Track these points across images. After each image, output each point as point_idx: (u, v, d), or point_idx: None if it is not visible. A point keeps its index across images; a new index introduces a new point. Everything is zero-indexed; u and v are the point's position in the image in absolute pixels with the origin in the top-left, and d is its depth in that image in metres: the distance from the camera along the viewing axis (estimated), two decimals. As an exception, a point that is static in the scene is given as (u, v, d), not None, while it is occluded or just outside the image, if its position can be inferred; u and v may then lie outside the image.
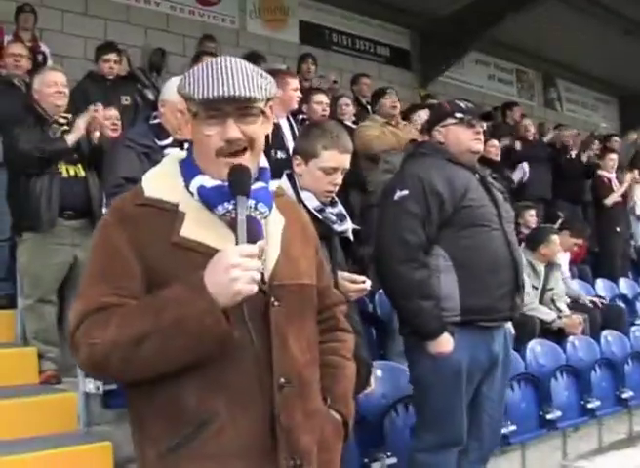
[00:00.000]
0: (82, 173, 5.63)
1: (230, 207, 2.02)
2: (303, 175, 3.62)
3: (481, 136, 4.20)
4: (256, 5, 12.10)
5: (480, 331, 3.98)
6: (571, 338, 7.02)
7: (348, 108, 8.51)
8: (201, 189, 2.06)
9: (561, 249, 8.19)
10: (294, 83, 5.73)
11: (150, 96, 8.02)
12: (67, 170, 5.58)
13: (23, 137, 5.47)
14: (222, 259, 1.87)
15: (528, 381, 5.98)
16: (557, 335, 7.01)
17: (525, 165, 10.05)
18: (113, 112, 6.80)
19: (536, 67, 16.96)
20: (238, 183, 2.00)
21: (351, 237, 3.78)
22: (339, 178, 3.64)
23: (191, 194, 2.07)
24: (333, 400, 2.31)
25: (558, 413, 6.01)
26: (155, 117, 4.87)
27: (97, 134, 5.74)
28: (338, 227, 3.64)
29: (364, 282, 3.76)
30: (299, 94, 5.78)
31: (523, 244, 7.55)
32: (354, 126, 8.03)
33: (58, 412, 4.99)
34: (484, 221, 4.00)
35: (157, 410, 2.02)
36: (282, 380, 2.04)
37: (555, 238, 7.35)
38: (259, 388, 2.01)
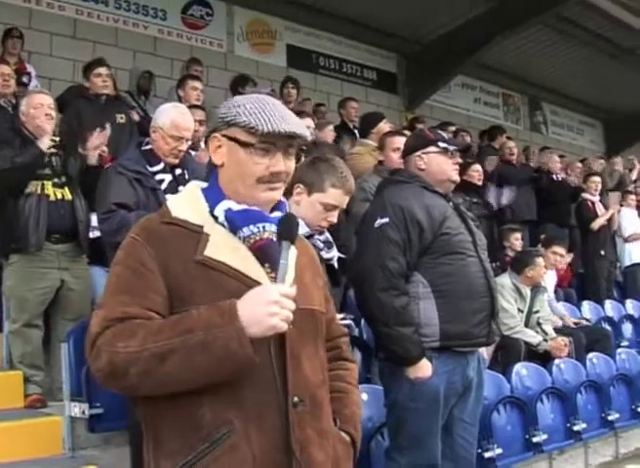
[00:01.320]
0: (69, 196, 5.61)
1: (255, 230, 2.15)
2: (301, 205, 3.66)
3: (457, 168, 4.26)
4: (243, 29, 12.20)
5: (456, 356, 4.01)
6: (557, 361, 7.01)
7: (332, 133, 8.59)
8: (228, 212, 2.16)
9: (552, 265, 8.25)
10: None
11: (135, 117, 8.00)
12: (54, 193, 5.56)
13: None
14: (265, 294, 1.98)
15: (514, 404, 5.96)
16: (543, 358, 7.02)
17: (512, 188, 10.10)
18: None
19: (522, 91, 17.10)
20: (288, 229, 2.13)
21: (336, 265, 3.80)
22: (335, 217, 3.72)
23: (215, 218, 2.17)
24: (342, 421, 2.38)
25: (544, 436, 5.99)
26: (147, 143, 4.88)
27: (96, 154, 5.75)
28: (324, 254, 3.68)
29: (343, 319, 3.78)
30: None
31: (509, 267, 7.60)
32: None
33: (43, 436, 4.96)
34: (461, 249, 4.04)
35: (172, 426, 2.07)
36: (296, 399, 2.10)
37: (540, 261, 7.37)
38: (273, 406, 2.07)
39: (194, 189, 2.28)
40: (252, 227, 2.15)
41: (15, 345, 5.58)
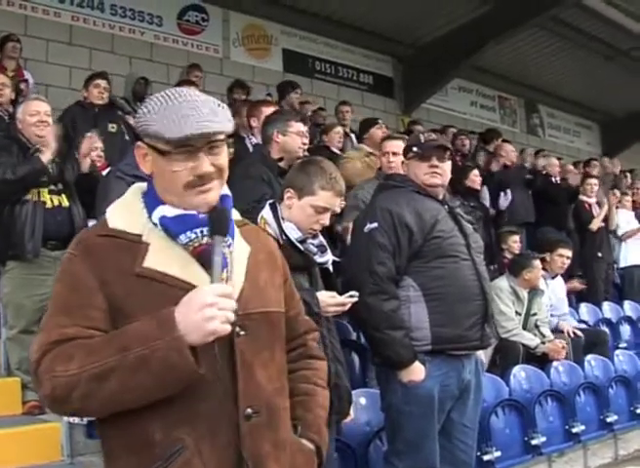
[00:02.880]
0: (66, 202, 5.62)
1: (193, 236, 2.03)
2: (293, 209, 3.66)
3: (438, 170, 4.16)
4: (239, 34, 12.21)
5: (450, 358, 4.01)
6: (555, 363, 7.03)
7: (337, 136, 8.64)
8: (163, 219, 2.05)
9: (559, 267, 8.29)
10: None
11: (131, 121, 8.05)
12: (51, 200, 5.58)
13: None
14: (197, 298, 1.87)
15: (512, 407, 5.98)
16: (541, 361, 7.03)
17: (508, 192, 10.11)
18: (98, 144, 6.85)
19: (518, 94, 17.12)
20: (218, 224, 2.02)
21: (331, 268, 3.80)
22: (327, 219, 3.71)
23: (155, 225, 2.07)
24: (304, 428, 2.26)
25: (543, 439, 6.00)
26: None
27: (88, 161, 5.75)
28: (318, 258, 3.68)
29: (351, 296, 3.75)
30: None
31: (506, 270, 7.61)
32: (339, 152, 8.09)
33: (41, 443, 4.96)
34: (453, 252, 4.03)
35: (126, 444, 1.99)
36: (249, 411, 2.01)
37: (537, 263, 7.36)
38: (225, 419, 1.99)
39: (134, 194, 2.19)
40: (189, 233, 2.04)
41: (12, 352, 5.59)
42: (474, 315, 4.02)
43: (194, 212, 2.06)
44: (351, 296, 3.69)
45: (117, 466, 2.02)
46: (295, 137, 5.03)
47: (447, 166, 4.23)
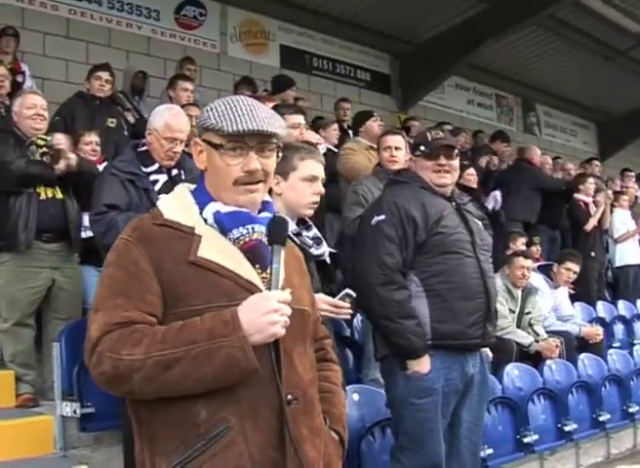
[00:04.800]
0: (59, 195, 5.60)
1: (244, 231, 2.20)
2: (284, 193, 3.66)
3: (445, 168, 4.19)
4: (237, 29, 12.19)
5: (454, 353, 4.02)
6: (548, 362, 7.04)
7: (335, 132, 8.66)
8: (217, 214, 2.20)
9: (564, 281, 8.35)
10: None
11: (130, 118, 8.06)
12: (45, 192, 5.55)
13: (10, 156, 5.44)
14: (265, 302, 2.03)
15: (505, 405, 5.98)
16: (534, 359, 7.04)
17: (497, 193, 10.10)
18: (93, 138, 6.86)
19: (515, 92, 17.12)
20: (277, 233, 2.16)
21: (328, 260, 3.80)
22: (321, 187, 3.71)
23: (205, 220, 2.21)
24: (331, 421, 2.41)
25: (535, 437, 6.01)
26: (143, 144, 4.88)
27: (62, 164, 5.60)
28: (314, 251, 3.67)
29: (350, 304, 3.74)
30: None
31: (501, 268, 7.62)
32: (335, 149, 8.07)
33: (34, 436, 4.96)
34: (456, 248, 4.05)
35: (167, 424, 2.09)
36: (290, 396, 2.14)
37: (517, 260, 7.32)
38: (267, 402, 2.10)
39: (183, 192, 2.31)
40: (241, 229, 2.19)
41: (6, 344, 5.58)
42: (476, 313, 4.03)
43: (246, 209, 2.23)
44: (347, 295, 3.68)
45: (159, 447, 2.11)
46: (290, 131, 5.05)
47: (455, 163, 4.25)
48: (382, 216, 4.08)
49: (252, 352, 2.00)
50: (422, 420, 3.97)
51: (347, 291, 3.70)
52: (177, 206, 2.25)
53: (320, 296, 3.58)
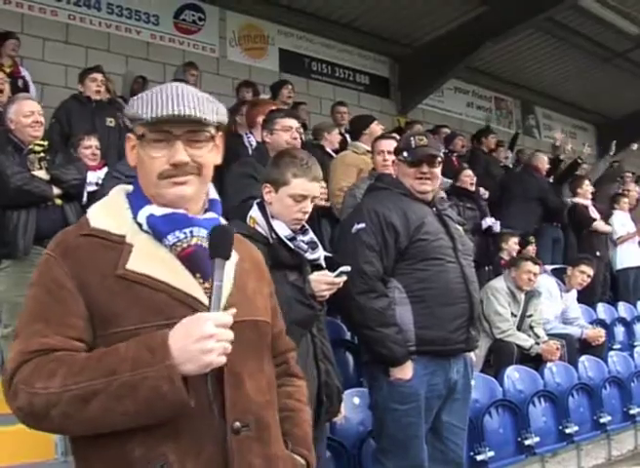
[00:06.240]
0: (58, 200, 5.61)
1: (182, 236, 1.94)
2: (273, 203, 3.63)
3: (427, 176, 4.19)
4: (236, 33, 12.20)
5: (437, 359, 4.05)
6: (549, 364, 7.05)
7: (338, 137, 8.63)
8: (150, 218, 1.95)
9: (578, 284, 8.35)
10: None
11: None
12: (44, 198, 5.56)
13: (10, 169, 5.43)
14: (197, 327, 1.75)
15: (506, 407, 6.00)
16: (535, 361, 7.05)
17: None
18: (93, 142, 6.83)
19: (514, 95, 17.13)
20: (219, 244, 1.87)
21: (323, 264, 3.79)
22: (308, 207, 3.65)
23: (139, 226, 1.97)
24: (294, 443, 2.16)
25: (536, 439, 6.03)
26: None
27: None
28: (309, 255, 3.65)
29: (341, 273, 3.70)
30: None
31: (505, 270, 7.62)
32: (334, 154, 8.06)
33: (35, 441, 4.91)
34: (438, 255, 4.07)
35: (101, 461, 1.86)
36: (237, 424, 1.89)
37: (524, 264, 7.34)
38: (211, 432, 1.86)
39: (117, 194, 2.07)
40: (177, 233, 1.94)
41: (7, 350, 5.57)
42: (459, 318, 4.05)
43: (182, 210, 1.98)
44: (342, 273, 3.64)
45: None
46: (281, 134, 5.07)
47: (437, 171, 4.25)
48: (362, 225, 4.09)
49: (181, 383, 1.73)
50: (405, 425, 4.00)
51: (343, 268, 3.64)
52: (106, 212, 2.01)
53: (317, 277, 3.56)
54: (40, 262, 1.96)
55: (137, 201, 2.01)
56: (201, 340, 1.73)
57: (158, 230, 1.94)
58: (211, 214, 2.06)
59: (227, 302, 1.91)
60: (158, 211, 1.96)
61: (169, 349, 1.75)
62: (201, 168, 1.98)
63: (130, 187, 2.09)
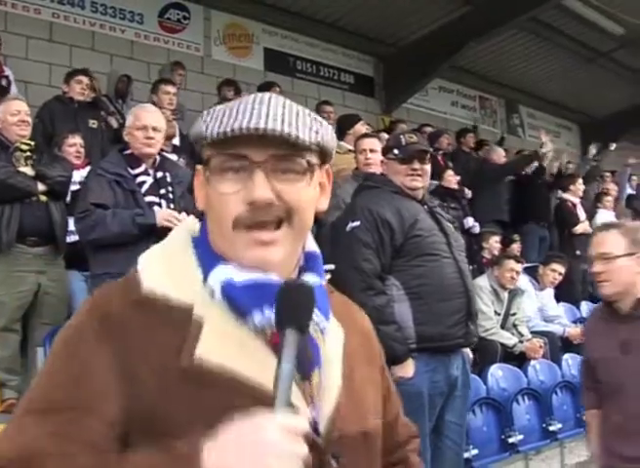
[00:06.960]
0: (43, 197, 5.59)
1: (273, 316, 1.31)
2: None
3: (418, 172, 4.22)
4: (220, 32, 12.17)
5: (437, 355, 4.04)
6: (532, 362, 7.09)
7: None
8: (228, 287, 1.35)
9: (550, 282, 8.41)
10: None
11: (114, 122, 8.03)
12: (28, 194, 5.55)
13: None
14: (252, 432, 1.15)
15: (489, 405, 6.03)
16: (519, 360, 7.08)
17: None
18: (77, 140, 6.83)
19: (498, 94, 17.16)
20: (290, 307, 1.28)
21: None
22: None
23: (212, 292, 1.36)
24: None
25: (520, 437, 6.06)
26: (129, 148, 4.92)
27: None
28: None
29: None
30: None
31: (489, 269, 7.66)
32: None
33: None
34: (434, 250, 4.07)
35: None
36: None
37: (507, 263, 7.38)
38: None
39: (183, 243, 1.45)
40: (267, 311, 1.32)
41: (-7, 349, 5.55)
42: (457, 313, 4.06)
43: (274, 275, 1.37)
44: (326, 270, 3.62)
45: None
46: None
47: (427, 168, 4.27)
48: (357, 223, 4.09)
49: None
50: None
51: (326, 266, 3.62)
52: (167, 268, 1.40)
53: None
54: (70, 328, 1.38)
55: (206, 256, 1.41)
56: (259, 453, 1.13)
57: (238, 306, 1.35)
58: (311, 277, 1.45)
59: (334, 411, 1.39)
60: (238, 275, 1.36)
61: (200, 463, 1.15)
62: (291, 211, 1.36)
63: (196, 228, 1.48)
